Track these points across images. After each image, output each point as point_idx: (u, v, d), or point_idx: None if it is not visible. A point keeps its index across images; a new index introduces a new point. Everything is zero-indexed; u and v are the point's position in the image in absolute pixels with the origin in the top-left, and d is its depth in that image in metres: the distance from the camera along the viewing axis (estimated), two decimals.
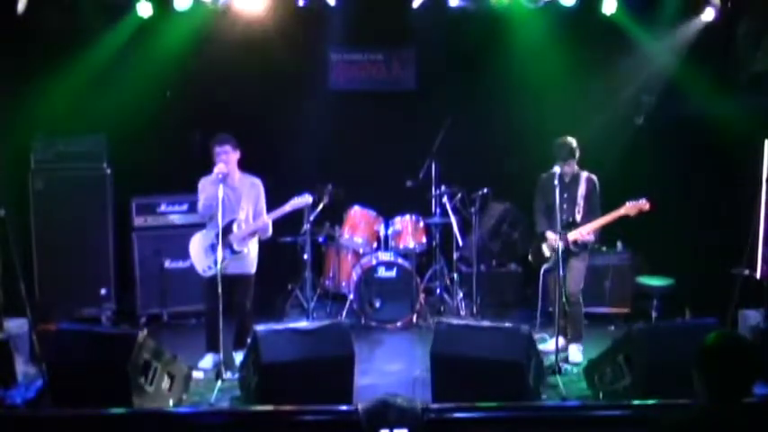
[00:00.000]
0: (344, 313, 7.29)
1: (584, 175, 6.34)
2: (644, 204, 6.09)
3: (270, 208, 6.19)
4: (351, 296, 7.35)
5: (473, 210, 7.42)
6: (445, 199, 7.49)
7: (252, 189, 6.18)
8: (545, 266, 6.44)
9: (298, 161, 7.91)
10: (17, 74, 6.84)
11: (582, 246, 6.27)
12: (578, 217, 6.27)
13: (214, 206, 5.84)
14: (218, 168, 5.90)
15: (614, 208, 6.18)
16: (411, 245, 7.49)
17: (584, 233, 6.21)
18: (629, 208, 6.11)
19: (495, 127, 8.09)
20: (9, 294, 5.97)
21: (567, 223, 6.19)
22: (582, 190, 6.29)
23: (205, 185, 6.11)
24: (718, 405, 2.76)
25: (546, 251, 6.42)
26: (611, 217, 6.19)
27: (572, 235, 6.18)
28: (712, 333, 2.85)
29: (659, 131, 7.70)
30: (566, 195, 6.16)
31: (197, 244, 6.15)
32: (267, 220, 6.13)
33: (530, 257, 6.67)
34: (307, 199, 6.19)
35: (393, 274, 7.35)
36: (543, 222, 6.44)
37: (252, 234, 6.14)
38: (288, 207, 6.12)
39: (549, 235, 6.32)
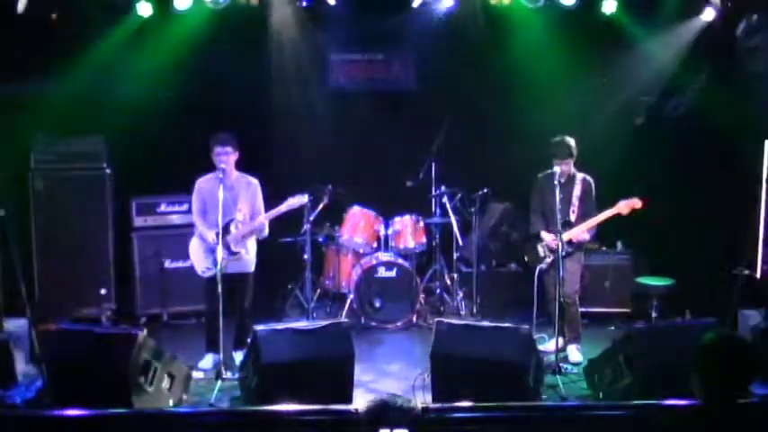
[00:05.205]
0: (344, 313, 7.29)
1: (580, 175, 6.33)
2: (636, 202, 6.09)
3: (267, 208, 6.17)
4: (351, 296, 7.35)
5: (473, 210, 7.42)
6: (445, 199, 7.49)
7: (248, 189, 6.16)
8: (540, 267, 6.43)
9: (298, 161, 7.90)
10: (17, 74, 6.83)
11: (576, 246, 6.26)
12: (573, 217, 6.26)
13: (208, 206, 5.89)
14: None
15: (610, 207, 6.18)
16: (411, 245, 7.49)
17: (579, 232, 6.20)
18: (622, 206, 6.11)
19: (495, 127, 8.09)
20: (9, 294, 5.97)
21: (562, 223, 6.18)
22: (577, 191, 6.29)
23: (201, 187, 6.11)
24: (715, 405, 2.76)
25: (541, 251, 6.41)
26: (605, 216, 6.18)
27: (566, 235, 6.15)
28: (709, 333, 2.86)
29: (659, 131, 7.70)
30: (561, 196, 6.14)
31: (196, 245, 6.16)
32: (264, 220, 6.12)
33: (525, 258, 6.66)
34: (302, 199, 6.17)
35: (393, 274, 7.34)
36: (539, 222, 6.43)
37: (249, 234, 6.14)
38: (284, 207, 6.10)
39: (545, 235, 6.32)
